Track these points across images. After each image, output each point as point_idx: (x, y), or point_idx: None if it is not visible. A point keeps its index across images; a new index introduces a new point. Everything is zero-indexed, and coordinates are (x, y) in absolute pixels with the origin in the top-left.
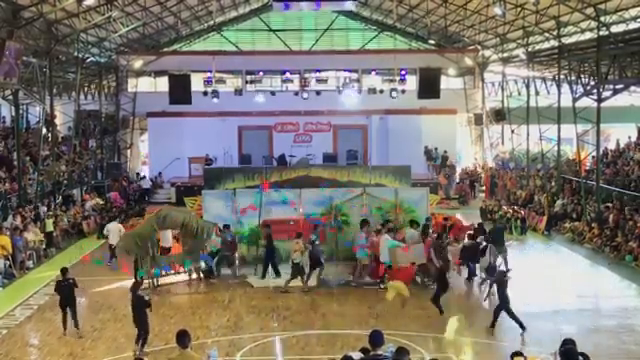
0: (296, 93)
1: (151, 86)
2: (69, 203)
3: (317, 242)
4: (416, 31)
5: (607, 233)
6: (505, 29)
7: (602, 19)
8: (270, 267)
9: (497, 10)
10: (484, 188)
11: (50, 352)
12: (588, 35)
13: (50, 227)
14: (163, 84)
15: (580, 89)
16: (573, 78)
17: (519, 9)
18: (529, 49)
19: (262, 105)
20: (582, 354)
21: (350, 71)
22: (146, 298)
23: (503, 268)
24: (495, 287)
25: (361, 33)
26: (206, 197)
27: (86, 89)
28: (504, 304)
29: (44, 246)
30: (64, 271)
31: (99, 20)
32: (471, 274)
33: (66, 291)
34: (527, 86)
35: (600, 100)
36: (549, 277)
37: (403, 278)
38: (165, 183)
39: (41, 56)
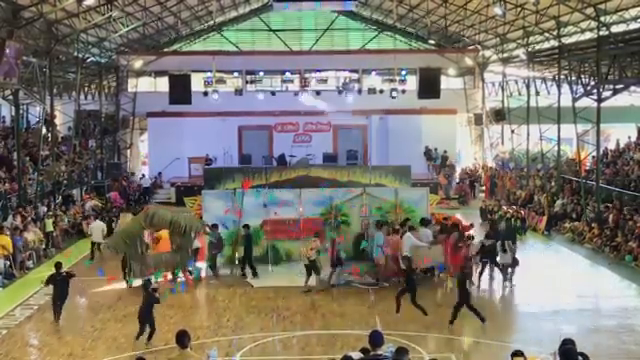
0: (296, 93)
1: (151, 86)
2: (69, 203)
3: (338, 241)
4: (416, 31)
5: (607, 233)
6: (505, 29)
7: (602, 19)
8: (248, 267)
9: (497, 10)
10: (484, 188)
11: (50, 352)
12: (588, 35)
13: (50, 227)
14: (163, 84)
15: (580, 89)
16: (573, 78)
17: (519, 9)
18: (529, 49)
19: (262, 105)
20: (582, 354)
21: (350, 71)
22: (157, 295)
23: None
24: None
25: (361, 33)
26: (206, 197)
27: (86, 89)
28: (465, 300)
29: (44, 246)
30: (58, 266)
31: (99, 20)
32: (491, 272)
33: (59, 285)
34: (527, 86)
35: (600, 100)
36: (549, 277)
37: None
38: (165, 183)
39: (41, 56)
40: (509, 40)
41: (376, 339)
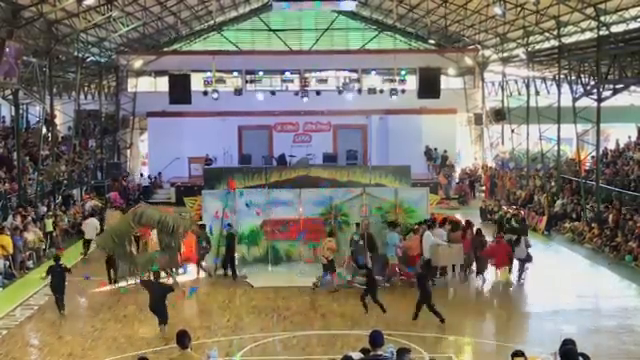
0: (296, 93)
1: (151, 86)
2: (69, 203)
3: (360, 242)
4: (416, 31)
5: (607, 233)
6: (505, 29)
7: (602, 19)
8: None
9: (497, 10)
10: (484, 188)
11: (50, 352)
12: (588, 35)
13: (50, 227)
14: (163, 84)
15: (580, 89)
16: (573, 78)
17: (519, 9)
18: (529, 49)
19: (262, 105)
20: (582, 354)
21: (350, 71)
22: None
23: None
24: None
25: (361, 33)
26: (206, 197)
27: (86, 89)
28: (425, 299)
29: (44, 246)
30: (57, 258)
31: (99, 20)
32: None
33: (57, 276)
34: (527, 86)
35: (600, 100)
36: (549, 277)
37: (501, 264)
38: (165, 183)
39: (41, 56)
40: (509, 40)
41: (376, 339)
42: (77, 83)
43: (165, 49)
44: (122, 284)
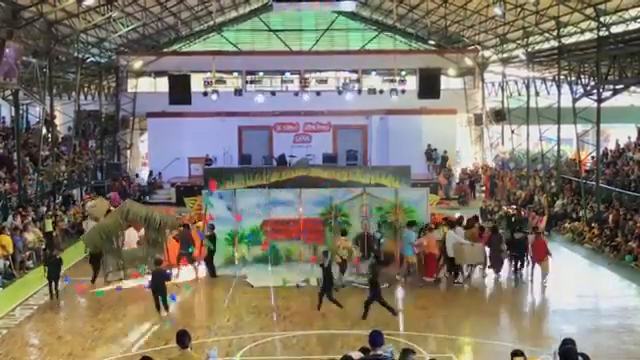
0: (296, 94)
1: (151, 86)
2: (69, 203)
3: (382, 241)
4: (416, 31)
5: (607, 233)
6: (505, 29)
7: (602, 19)
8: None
9: (497, 10)
10: (484, 188)
11: (50, 352)
12: (588, 35)
13: (50, 227)
14: (163, 84)
15: (580, 89)
16: (573, 78)
17: (519, 9)
18: (529, 49)
19: (262, 105)
20: (582, 354)
21: (350, 71)
22: (167, 271)
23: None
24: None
25: (361, 33)
26: (206, 197)
27: (86, 89)
28: (376, 296)
29: (44, 246)
30: (52, 248)
31: (99, 20)
32: (521, 267)
33: (52, 265)
34: (527, 86)
35: (600, 100)
36: (549, 277)
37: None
38: (165, 183)
39: (41, 56)
40: (509, 40)
41: (376, 339)
42: (77, 83)
43: (165, 50)
44: (99, 288)
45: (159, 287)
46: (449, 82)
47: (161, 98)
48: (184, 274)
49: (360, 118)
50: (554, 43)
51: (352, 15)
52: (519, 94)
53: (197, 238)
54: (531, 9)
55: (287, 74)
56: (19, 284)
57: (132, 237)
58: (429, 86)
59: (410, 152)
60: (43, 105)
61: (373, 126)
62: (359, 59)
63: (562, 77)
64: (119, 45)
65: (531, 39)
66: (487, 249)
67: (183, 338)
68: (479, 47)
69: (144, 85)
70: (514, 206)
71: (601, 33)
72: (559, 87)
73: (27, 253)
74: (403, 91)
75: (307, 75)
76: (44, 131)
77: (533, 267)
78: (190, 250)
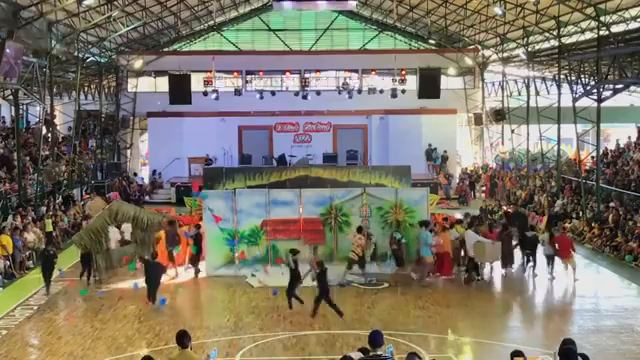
0: (296, 93)
1: (151, 86)
2: (69, 203)
3: (403, 240)
4: (416, 31)
5: (607, 233)
6: (505, 29)
7: (602, 19)
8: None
9: (497, 10)
10: (484, 188)
11: (50, 352)
12: (588, 35)
13: (50, 227)
14: (163, 84)
15: (580, 89)
16: (573, 78)
17: (519, 9)
18: (529, 49)
19: (262, 105)
20: (582, 354)
21: (350, 71)
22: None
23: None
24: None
25: (361, 33)
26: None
27: (86, 89)
28: (324, 294)
29: (43, 246)
30: (47, 243)
31: (99, 20)
32: (533, 264)
33: (46, 260)
34: (527, 86)
35: (600, 100)
36: (549, 277)
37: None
38: (165, 183)
39: (41, 56)
40: (509, 40)
41: (376, 339)
42: (77, 83)
43: (165, 49)
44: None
45: (151, 278)
46: (449, 82)
47: (161, 98)
48: (184, 274)
49: (360, 118)
50: (554, 42)
51: (352, 15)
52: (519, 94)
53: (183, 238)
54: (531, 8)
55: (287, 74)
56: (19, 284)
57: (114, 235)
58: (429, 86)
59: (410, 152)
60: (43, 105)
61: (373, 126)
62: (359, 59)
63: (562, 77)
64: (119, 45)
65: (531, 38)
66: None
67: (183, 338)
68: (479, 47)
69: (144, 85)
70: (514, 206)
71: (601, 33)
72: (559, 87)
73: (27, 253)
74: (403, 91)
75: (307, 75)
76: (44, 131)
77: (552, 264)
78: (175, 250)
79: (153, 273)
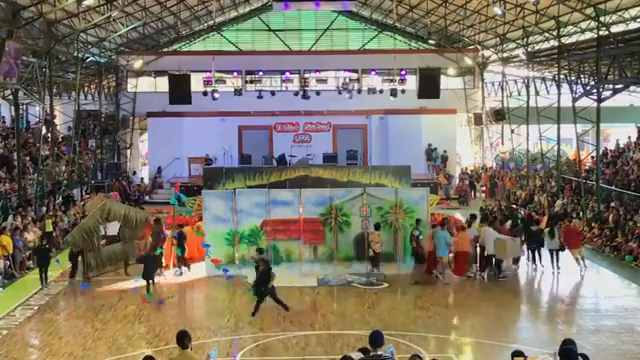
0: (296, 93)
1: (151, 86)
2: (69, 203)
3: (420, 237)
4: (416, 31)
5: (607, 233)
6: (505, 29)
7: (602, 19)
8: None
9: (497, 10)
10: (484, 188)
11: (50, 352)
12: (588, 35)
13: (50, 227)
14: (163, 84)
15: (580, 89)
16: (573, 78)
17: (519, 9)
18: (529, 49)
19: (262, 105)
20: (582, 354)
21: (350, 71)
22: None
23: None
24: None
25: (361, 33)
26: (206, 197)
27: (86, 89)
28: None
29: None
30: (42, 238)
31: (99, 20)
32: (539, 258)
33: (41, 254)
34: (527, 86)
35: (600, 100)
36: (549, 277)
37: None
38: (165, 183)
39: (41, 56)
40: (509, 40)
41: (376, 339)
42: (77, 83)
43: (165, 49)
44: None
45: (148, 270)
46: (449, 82)
47: (161, 98)
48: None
49: (360, 118)
50: (554, 43)
51: (352, 15)
52: (519, 94)
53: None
54: (531, 8)
55: (287, 74)
56: (19, 284)
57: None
58: (429, 86)
59: (410, 152)
60: (43, 105)
61: (373, 126)
62: (359, 59)
63: (562, 77)
64: (119, 45)
65: (531, 39)
66: None
67: (183, 338)
68: (479, 47)
69: (144, 85)
70: (514, 206)
71: (601, 33)
72: (559, 87)
73: (27, 253)
74: (403, 91)
75: (307, 75)
76: (44, 131)
77: (556, 257)
78: (158, 251)
79: (149, 265)
